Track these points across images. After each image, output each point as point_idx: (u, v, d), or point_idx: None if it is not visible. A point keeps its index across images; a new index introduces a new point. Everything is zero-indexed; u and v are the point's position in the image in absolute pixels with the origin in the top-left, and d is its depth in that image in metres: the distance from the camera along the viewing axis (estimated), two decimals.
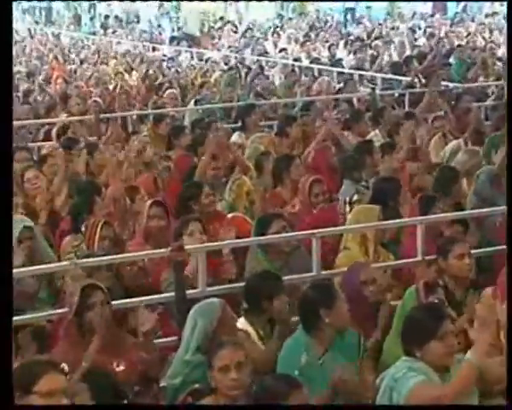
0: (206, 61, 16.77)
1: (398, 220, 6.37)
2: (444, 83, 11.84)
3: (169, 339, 5.28)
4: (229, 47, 20.05)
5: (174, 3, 28.91)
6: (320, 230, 5.97)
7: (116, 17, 29.05)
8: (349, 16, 25.50)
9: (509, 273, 4.67)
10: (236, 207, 7.03)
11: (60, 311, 5.31)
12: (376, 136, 9.05)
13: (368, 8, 25.64)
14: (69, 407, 3.97)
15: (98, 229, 5.96)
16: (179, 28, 25.81)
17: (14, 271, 5.50)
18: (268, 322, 5.13)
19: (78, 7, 30.96)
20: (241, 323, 5.09)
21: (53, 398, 3.78)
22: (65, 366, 4.42)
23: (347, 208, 6.69)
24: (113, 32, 25.00)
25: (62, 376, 3.87)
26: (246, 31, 22.87)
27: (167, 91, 12.19)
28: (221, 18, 26.86)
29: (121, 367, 4.80)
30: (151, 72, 14.74)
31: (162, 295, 5.54)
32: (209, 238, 6.02)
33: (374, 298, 5.35)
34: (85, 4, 31.04)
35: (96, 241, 5.94)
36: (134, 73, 15.11)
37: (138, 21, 28.76)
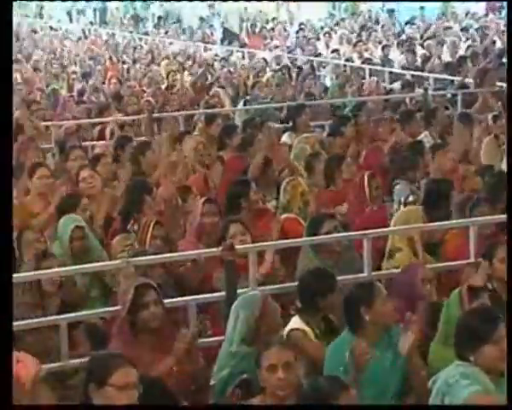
0: (258, 61, 16.80)
1: (447, 222, 6.30)
2: (498, 83, 11.71)
3: (220, 338, 5.33)
4: (277, 47, 20.01)
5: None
6: (371, 230, 5.96)
7: (159, 17, 29.27)
8: (393, 17, 25.29)
9: (508, 273, 4.69)
10: (290, 209, 7.04)
11: (112, 309, 5.37)
12: (426, 137, 9.00)
13: (421, 8, 25.44)
14: (69, 407, 4.02)
15: (150, 228, 6.01)
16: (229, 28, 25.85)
17: (66, 268, 5.62)
18: (322, 320, 5.13)
19: (136, 7, 31.22)
20: (296, 322, 5.09)
21: (126, 391, 3.84)
22: None
23: (402, 208, 6.67)
24: (166, 33, 25.16)
25: (135, 370, 3.93)
26: (297, 31, 22.86)
27: (213, 90, 12.23)
28: (273, 18, 26.88)
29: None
30: (203, 72, 14.81)
31: (214, 294, 5.57)
32: (257, 236, 6.04)
33: (431, 297, 5.34)
34: (138, 4, 31.31)
35: (148, 240, 5.99)
36: (186, 73, 15.19)
37: (179, 21, 28.93)
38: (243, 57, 18.60)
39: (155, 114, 10.46)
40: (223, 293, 5.46)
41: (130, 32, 25.19)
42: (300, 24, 24.51)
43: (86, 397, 3.92)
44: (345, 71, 14.66)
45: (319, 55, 18.10)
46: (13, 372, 4.01)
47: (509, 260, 5.07)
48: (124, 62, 17.69)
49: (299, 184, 7.22)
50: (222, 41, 22.84)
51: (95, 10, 32.17)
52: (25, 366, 4.41)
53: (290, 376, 4.21)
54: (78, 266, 5.73)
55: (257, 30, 24.39)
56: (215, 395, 4.70)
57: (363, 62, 15.94)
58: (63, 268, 5.57)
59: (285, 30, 23.62)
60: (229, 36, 23.34)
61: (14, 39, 23.12)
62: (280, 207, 7.15)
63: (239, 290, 5.38)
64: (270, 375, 4.21)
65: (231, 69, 15.41)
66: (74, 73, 15.53)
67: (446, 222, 6.28)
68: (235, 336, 4.77)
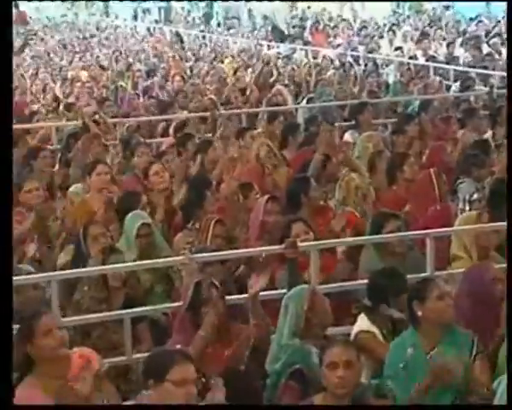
0: (322, 58, 16.76)
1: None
2: None
3: None
4: (340, 45, 19.94)
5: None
6: (434, 230, 5.91)
7: (224, 16, 29.41)
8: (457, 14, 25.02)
9: (508, 273, 4.67)
10: (346, 205, 7.02)
11: (175, 304, 5.42)
12: (491, 135, 8.88)
13: (487, 5, 25.10)
14: (69, 407, 4.04)
15: (211, 227, 6.04)
16: (294, 26, 25.83)
17: (131, 264, 5.69)
18: (390, 320, 5.10)
19: (207, 6, 31.43)
20: (363, 322, 5.08)
21: (184, 387, 3.86)
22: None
23: (467, 207, 6.60)
24: (228, 30, 25.26)
25: (192, 366, 3.96)
26: (361, 29, 22.75)
27: (274, 88, 12.23)
28: (339, 16, 26.80)
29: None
30: (266, 69, 14.83)
31: (276, 292, 5.59)
32: (318, 233, 6.03)
33: (501, 297, 5.27)
34: (202, 3, 31.51)
35: (209, 239, 6.02)
36: (249, 70, 15.23)
37: (237, 18, 29.02)
38: (306, 55, 18.57)
39: (218, 112, 10.51)
40: (283, 291, 5.47)
41: (201, 31, 25.33)
42: (363, 21, 24.38)
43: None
44: (409, 69, 14.54)
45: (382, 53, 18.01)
46: (13, 372, 4.04)
47: (508, 260, 5.02)
48: (187, 60, 17.82)
49: (352, 180, 7.19)
50: (282, 39, 22.83)
51: (160, 9, 32.48)
52: (88, 360, 4.48)
53: (350, 375, 4.19)
54: (142, 262, 5.80)
55: (320, 28, 24.32)
56: (268, 389, 4.71)
57: (427, 60, 15.80)
58: (128, 263, 5.64)
59: (348, 28, 23.52)
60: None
61: (80, 37, 23.51)
62: (337, 204, 7.15)
63: None
64: (331, 373, 4.19)
65: (294, 67, 15.40)
66: (139, 70, 15.70)
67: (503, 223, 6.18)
68: (286, 329, 4.78)
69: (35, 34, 23.34)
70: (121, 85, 13.71)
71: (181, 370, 3.91)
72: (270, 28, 24.50)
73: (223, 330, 4.93)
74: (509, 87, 8.62)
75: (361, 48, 18.99)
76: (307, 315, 4.76)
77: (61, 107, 11.54)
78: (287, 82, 13.17)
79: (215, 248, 5.82)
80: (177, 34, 24.20)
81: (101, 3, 33.89)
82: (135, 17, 32.52)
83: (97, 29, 26.63)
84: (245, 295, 5.41)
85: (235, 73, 14.58)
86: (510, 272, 4.75)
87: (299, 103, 12.07)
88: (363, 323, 5.08)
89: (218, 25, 28.23)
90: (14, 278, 5.27)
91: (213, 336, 4.86)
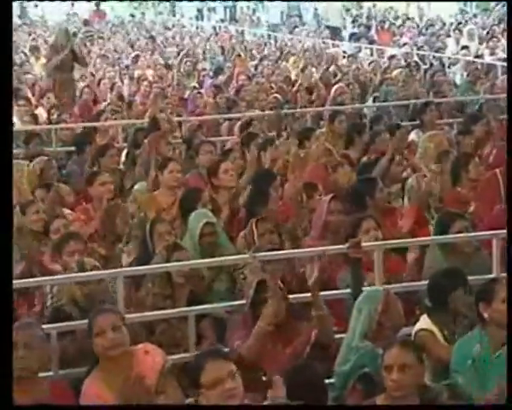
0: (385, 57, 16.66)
1: None
2: None
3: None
4: (406, 44, 19.76)
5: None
6: (502, 230, 5.83)
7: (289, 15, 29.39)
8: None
9: (508, 274, 4.63)
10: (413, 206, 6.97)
11: (238, 302, 5.45)
12: None
13: None
14: (69, 407, 4.06)
15: (253, 228, 6.03)
16: (360, 25, 25.73)
17: (195, 261, 5.73)
18: (453, 322, 5.06)
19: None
20: (425, 322, 5.04)
21: (221, 385, 3.85)
22: (238, 343, 4.55)
23: None
24: (294, 28, 25.25)
25: (226, 362, 3.95)
26: (427, 27, 22.53)
27: (336, 86, 12.20)
28: (405, 14, 26.61)
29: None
30: (330, 68, 14.80)
31: (338, 292, 5.58)
32: (385, 234, 6.00)
33: None
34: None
35: (256, 239, 6.01)
36: (313, 69, 15.21)
37: (299, 16, 28.99)
38: (371, 54, 18.47)
39: (283, 111, 10.52)
40: (347, 290, 5.47)
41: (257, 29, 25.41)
42: (429, 20, 24.15)
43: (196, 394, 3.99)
44: (477, 68, 14.35)
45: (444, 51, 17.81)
46: (13, 372, 4.06)
47: (508, 260, 4.96)
48: (252, 59, 17.87)
49: (418, 181, 7.13)
50: (350, 38, 22.76)
51: (225, 8, 32.62)
52: (152, 357, 4.53)
53: (405, 378, 4.15)
54: (205, 260, 5.83)
55: (386, 26, 24.18)
56: (336, 389, 4.70)
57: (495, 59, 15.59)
58: (192, 261, 5.69)
59: (414, 27, 23.33)
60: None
61: (146, 36, 23.71)
62: (403, 205, 7.10)
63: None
64: (387, 375, 4.19)
65: (359, 66, 15.33)
66: (204, 69, 15.80)
67: None
68: (357, 331, 4.78)
69: (102, 33, 23.63)
70: (185, 84, 13.83)
71: (212, 369, 3.90)
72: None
73: (284, 328, 4.94)
74: (509, 87, 8.51)
75: (427, 47, 18.81)
76: (380, 318, 4.75)
77: (126, 105, 11.68)
78: (351, 81, 13.11)
79: (277, 247, 5.83)
80: (242, 33, 24.30)
81: (167, 3, 34.19)
82: (201, 16, 32.70)
83: (165, 28, 26.85)
84: (307, 294, 5.42)
85: (302, 71, 14.56)
86: (510, 271, 4.71)
87: (364, 103, 12.01)
88: (423, 322, 5.04)
89: (283, 23, 28.23)
90: (82, 273, 5.40)
91: (274, 332, 4.86)
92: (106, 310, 4.70)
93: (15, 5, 28.89)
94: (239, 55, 17.21)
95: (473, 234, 5.94)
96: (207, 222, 6.15)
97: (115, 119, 10.70)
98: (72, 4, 30.39)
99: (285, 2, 30.40)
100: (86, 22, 26.42)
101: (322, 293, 5.41)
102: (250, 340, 4.81)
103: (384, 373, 4.20)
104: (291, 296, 5.17)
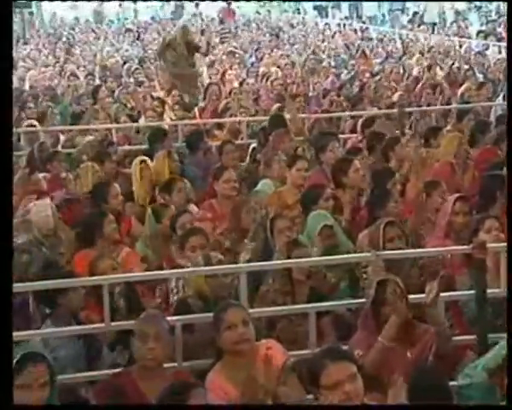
0: None
1: None
2: None
3: (464, 337, 5.25)
4: None
5: None
6: None
7: (415, 13, 28.98)
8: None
9: (509, 271, 4.54)
10: None
11: (359, 301, 5.43)
12: None
13: None
14: (69, 407, 4.05)
15: (381, 231, 5.95)
16: (488, 22, 25.18)
17: (316, 259, 5.74)
18: None
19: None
20: None
21: (341, 387, 3.79)
22: (359, 352, 4.54)
23: None
24: (419, 26, 24.93)
25: (348, 363, 3.89)
26: None
27: (464, 85, 11.95)
28: None
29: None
30: (457, 66, 14.56)
31: (459, 292, 5.49)
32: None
33: None
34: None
35: (381, 243, 5.90)
36: (438, 67, 14.99)
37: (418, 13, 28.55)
38: (499, 51, 18.05)
39: (408, 109, 10.41)
40: (466, 292, 5.37)
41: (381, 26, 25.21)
42: None
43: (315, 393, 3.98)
44: None
45: None
46: (13, 372, 3.98)
47: (509, 257, 4.81)
48: (376, 56, 17.75)
49: None
50: (477, 34, 22.29)
51: (350, 5, 32.53)
52: (274, 353, 4.56)
53: None
54: (327, 258, 5.80)
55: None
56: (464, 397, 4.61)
57: None
58: (313, 258, 5.69)
59: None
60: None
61: (271, 33, 23.85)
62: None
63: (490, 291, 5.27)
64: None
65: (487, 63, 15.02)
66: (329, 67, 15.79)
67: None
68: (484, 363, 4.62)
69: (229, 31, 23.92)
70: (310, 81, 13.86)
71: (335, 371, 3.83)
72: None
73: (406, 330, 4.88)
74: (508, 87, 8.25)
75: None
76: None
77: (251, 102, 11.79)
78: (480, 79, 12.85)
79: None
80: (365, 30, 24.15)
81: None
82: (325, 14, 32.68)
83: (290, 26, 26.96)
84: (447, 294, 5.33)
85: (429, 69, 14.37)
86: (510, 272, 4.60)
87: (493, 101, 11.77)
88: None
89: (409, 21, 27.91)
90: (204, 268, 5.49)
91: (396, 337, 4.82)
92: (236, 304, 4.77)
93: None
94: (363, 53, 17.13)
95: None
96: (326, 225, 6.15)
97: (240, 115, 10.80)
98: (197, 5, 30.89)
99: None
100: (221, 21, 26.90)
101: (446, 294, 5.34)
102: (372, 354, 4.74)
103: None
104: (412, 297, 5.11)
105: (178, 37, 13.23)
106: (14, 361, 3.99)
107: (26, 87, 14.57)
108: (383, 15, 31.57)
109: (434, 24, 25.53)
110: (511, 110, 7.45)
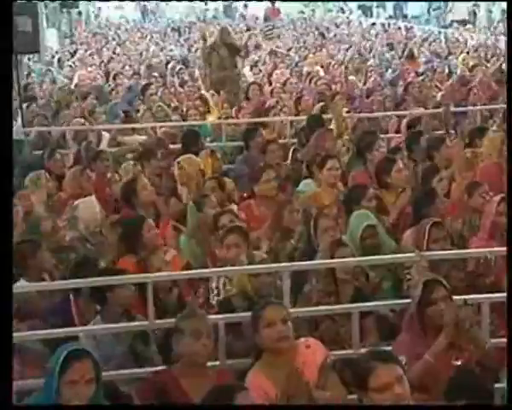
0: None
1: None
2: None
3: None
4: None
5: None
6: None
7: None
8: None
9: (508, 272, 4.55)
10: None
11: (402, 301, 5.40)
12: None
13: None
14: (69, 407, 4.04)
15: (426, 232, 5.91)
16: None
17: (359, 259, 5.73)
18: None
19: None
20: None
21: (390, 390, 3.79)
22: (404, 359, 4.50)
23: None
24: (465, 25, 24.75)
25: (396, 366, 3.89)
26: None
27: None
28: None
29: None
30: (504, 66, 14.41)
31: (503, 294, 5.44)
32: None
33: None
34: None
35: (425, 244, 5.88)
36: (484, 67, 14.86)
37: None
38: None
39: (453, 109, 10.33)
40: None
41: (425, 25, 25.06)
42: None
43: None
44: None
45: None
46: (13, 372, 4.03)
47: (508, 260, 4.73)
48: (421, 56, 17.65)
49: None
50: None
51: (395, 5, 32.39)
52: (314, 351, 4.56)
53: None
54: (370, 258, 5.79)
55: None
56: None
57: None
58: (356, 258, 5.69)
59: None
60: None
61: (315, 33, 23.83)
62: None
63: None
64: None
65: None
66: (372, 66, 15.74)
67: None
68: None
69: (273, 29, 23.95)
70: (355, 81, 13.82)
71: (383, 373, 3.83)
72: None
73: (452, 333, 4.83)
74: (508, 88, 8.16)
75: None
76: None
77: (294, 102, 11.79)
78: None
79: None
80: (410, 29, 24.04)
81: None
82: (370, 13, 32.57)
83: (334, 25, 26.92)
84: (478, 296, 5.29)
85: (472, 68, 14.26)
86: (510, 271, 4.56)
87: None
88: None
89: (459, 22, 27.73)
90: (248, 266, 5.50)
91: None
92: (275, 302, 4.77)
93: None
94: (410, 52, 17.05)
95: None
96: (369, 225, 6.13)
97: (283, 114, 10.81)
98: (246, 5, 31.03)
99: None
100: (266, 18, 26.96)
101: (492, 295, 5.30)
102: (418, 369, 4.61)
103: None
104: (456, 298, 5.07)
105: (218, 39, 13.29)
106: (61, 358, 4.04)
107: (73, 86, 14.70)
108: (428, 13, 31.35)
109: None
110: (511, 110, 7.36)
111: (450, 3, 28.86)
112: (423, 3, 31.91)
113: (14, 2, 10.47)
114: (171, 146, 9.17)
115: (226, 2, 32.56)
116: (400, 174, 7.18)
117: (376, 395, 3.81)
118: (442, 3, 30.64)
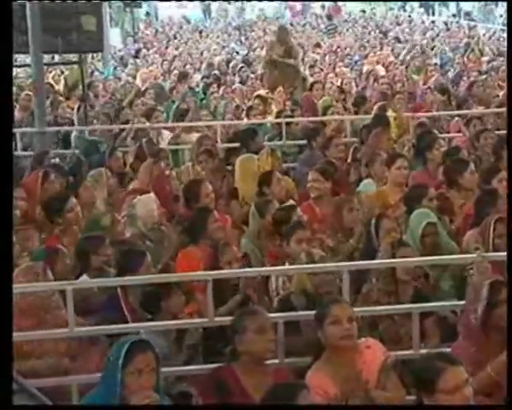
0: None
1: None
2: None
3: None
4: None
5: None
6: None
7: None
8: None
9: (509, 272, 4.54)
10: None
11: (463, 302, 5.33)
12: None
13: None
14: (69, 407, 3.98)
15: (491, 227, 5.87)
16: None
17: (419, 259, 5.68)
18: None
19: None
20: None
21: (459, 392, 3.76)
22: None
23: None
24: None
25: (463, 369, 3.84)
26: None
27: None
28: None
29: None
30: None
31: None
32: None
33: None
34: None
35: (491, 240, 5.84)
36: None
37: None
38: None
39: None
40: None
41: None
42: None
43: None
44: None
45: None
46: (13, 372, 4.02)
47: (508, 259, 4.67)
48: (484, 54, 17.44)
49: None
50: None
51: (457, 3, 32.06)
52: (373, 352, 4.53)
53: None
54: (430, 258, 5.76)
55: None
56: None
57: None
58: (417, 258, 5.65)
59: None
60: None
61: (376, 31, 23.67)
62: None
63: None
64: None
65: None
66: (434, 65, 15.59)
67: None
68: None
69: (335, 28, 23.89)
70: (414, 79, 13.72)
71: (451, 376, 3.79)
72: None
73: None
74: (508, 87, 7.99)
75: None
76: None
77: (351, 100, 11.76)
78: None
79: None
80: (473, 28, 23.77)
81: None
82: (432, 12, 32.26)
83: (396, 24, 26.73)
84: None
85: None
86: (510, 271, 4.51)
87: None
88: None
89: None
90: (307, 265, 5.49)
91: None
92: (341, 300, 4.77)
93: None
94: (472, 51, 16.86)
95: None
96: (429, 222, 6.08)
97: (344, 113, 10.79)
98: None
99: None
100: (329, 17, 26.91)
101: None
102: (479, 383, 4.39)
103: None
104: None
105: (276, 38, 13.32)
106: (124, 350, 4.07)
107: (136, 84, 14.83)
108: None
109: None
110: (511, 110, 7.24)
111: None
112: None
113: (76, 2, 10.60)
114: (231, 145, 9.20)
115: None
116: (473, 176, 7.12)
117: (445, 397, 3.78)
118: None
